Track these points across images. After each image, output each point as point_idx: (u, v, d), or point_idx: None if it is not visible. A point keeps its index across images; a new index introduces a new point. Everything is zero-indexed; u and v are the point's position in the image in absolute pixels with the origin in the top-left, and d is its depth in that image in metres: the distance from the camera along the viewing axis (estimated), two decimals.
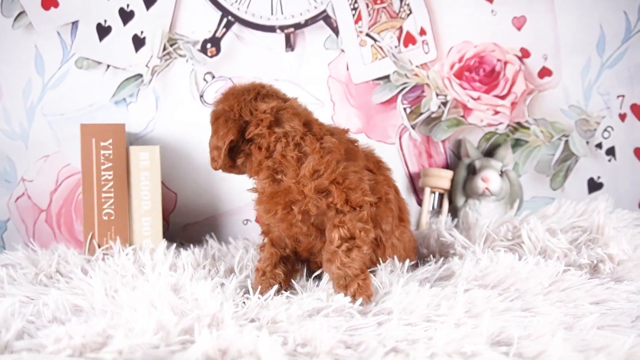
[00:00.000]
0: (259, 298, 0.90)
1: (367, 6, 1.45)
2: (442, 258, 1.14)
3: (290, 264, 1.04)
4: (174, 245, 1.24)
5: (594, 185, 1.53)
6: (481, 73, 1.47)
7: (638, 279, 1.06)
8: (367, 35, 1.46)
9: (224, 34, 1.42)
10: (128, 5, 1.39)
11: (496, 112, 1.48)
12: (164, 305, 0.83)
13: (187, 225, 1.45)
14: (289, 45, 1.44)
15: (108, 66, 1.40)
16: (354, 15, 1.45)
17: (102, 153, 1.28)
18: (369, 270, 0.98)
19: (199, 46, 1.42)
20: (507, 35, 1.48)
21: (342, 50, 1.46)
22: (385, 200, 1.03)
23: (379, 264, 1.03)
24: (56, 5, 1.37)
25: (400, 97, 1.47)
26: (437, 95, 1.47)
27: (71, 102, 1.39)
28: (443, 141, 1.50)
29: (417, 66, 1.47)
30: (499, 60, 1.48)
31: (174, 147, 1.42)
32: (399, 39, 1.47)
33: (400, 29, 1.46)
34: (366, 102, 1.47)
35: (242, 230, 1.45)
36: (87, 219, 1.27)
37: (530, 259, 1.07)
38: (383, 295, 0.94)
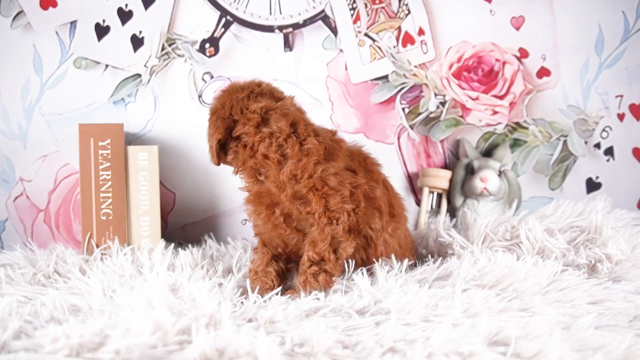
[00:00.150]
0: (256, 299, 0.90)
1: (366, 6, 1.45)
2: (441, 258, 1.14)
3: (282, 262, 1.05)
4: (172, 245, 1.24)
5: (592, 185, 1.53)
6: (480, 73, 1.47)
7: (636, 279, 1.06)
8: (366, 35, 1.46)
9: (223, 33, 1.42)
10: (127, 5, 1.39)
11: (495, 112, 1.48)
12: (161, 305, 0.83)
13: (185, 225, 1.45)
14: (288, 45, 1.44)
15: (106, 66, 1.40)
16: (352, 15, 1.45)
17: (101, 153, 1.28)
18: (359, 268, 1.01)
19: (197, 46, 1.41)
20: (505, 35, 1.48)
21: (341, 50, 1.46)
22: (371, 198, 1.03)
23: (371, 262, 1.04)
24: (54, 5, 1.37)
25: (398, 97, 1.47)
26: (436, 95, 1.47)
27: (69, 102, 1.39)
28: (441, 141, 1.50)
29: (415, 66, 1.47)
30: (497, 60, 1.48)
31: (172, 147, 1.41)
32: (397, 39, 1.47)
33: (399, 29, 1.46)
34: (365, 102, 1.47)
35: (241, 230, 1.45)
36: (85, 219, 1.27)
37: (528, 258, 1.07)
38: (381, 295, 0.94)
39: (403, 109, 1.48)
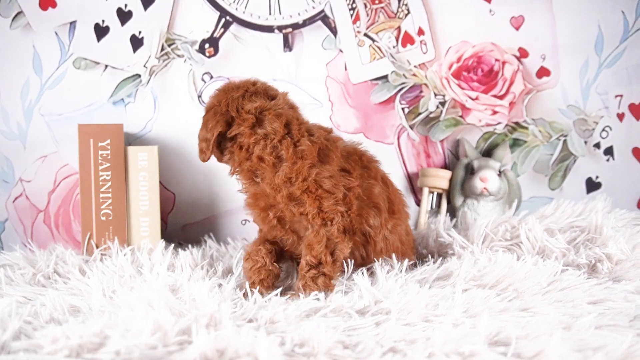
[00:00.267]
0: (256, 299, 0.91)
1: (365, 6, 1.45)
2: (441, 258, 1.14)
3: (277, 244, 1.06)
4: (172, 245, 1.24)
5: (592, 185, 1.53)
6: (479, 73, 1.47)
7: (636, 279, 1.06)
8: (365, 35, 1.46)
9: (222, 34, 1.42)
10: (126, 6, 1.39)
11: (494, 112, 1.48)
12: (161, 306, 0.83)
13: (185, 225, 1.44)
14: (287, 45, 1.44)
15: (106, 66, 1.40)
16: (352, 16, 1.45)
17: (100, 153, 1.27)
18: (359, 267, 1.01)
19: (197, 46, 1.41)
20: (505, 35, 1.48)
21: (340, 51, 1.46)
22: (367, 195, 1.03)
23: (371, 260, 1.04)
24: (54, 5, 1.37)
25: (398, 97, 1.47)
26: (435, 95, 1.47)
27: (69, 102, 1.39)
28: (441, 141, 1.50)
29: (415, 66, 1.47)
30: (497, 60, 1.48)
31: (172, 147, 1.41)
32: (397, 39, 1.46)
33: (399, 29, 1.46)
34: (364, 102, 1.47)
35: (241, 230, 1.45)
36: (85, 220, 1.27)
37: (528, 258, 1.07)
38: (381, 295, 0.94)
39: (403, 109, 1.48)
